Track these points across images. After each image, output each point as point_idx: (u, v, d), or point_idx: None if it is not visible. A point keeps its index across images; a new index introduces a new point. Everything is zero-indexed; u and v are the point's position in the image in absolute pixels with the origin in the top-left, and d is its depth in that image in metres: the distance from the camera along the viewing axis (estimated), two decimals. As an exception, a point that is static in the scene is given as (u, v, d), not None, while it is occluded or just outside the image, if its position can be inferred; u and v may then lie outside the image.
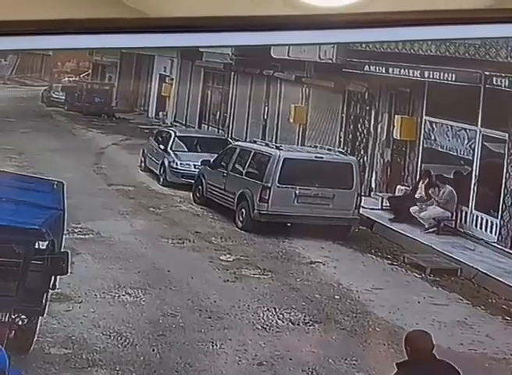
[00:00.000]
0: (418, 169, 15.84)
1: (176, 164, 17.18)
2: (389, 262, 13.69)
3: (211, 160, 16.17)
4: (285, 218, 14.56)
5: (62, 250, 10.36)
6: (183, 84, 21.23)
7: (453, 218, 14.73)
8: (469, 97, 14.31)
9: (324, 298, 11.97)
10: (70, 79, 22.86)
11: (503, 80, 13.48)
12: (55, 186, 11.05)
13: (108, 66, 22.96)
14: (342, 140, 17.23)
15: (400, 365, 7.07)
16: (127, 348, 10.21)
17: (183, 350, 10.11)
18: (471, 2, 2.09)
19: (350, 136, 17.16)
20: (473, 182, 14.57)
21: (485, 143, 14.47)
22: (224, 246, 13.86)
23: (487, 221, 14.33)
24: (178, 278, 12.17)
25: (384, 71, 15.54)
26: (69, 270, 10.19)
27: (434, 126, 15.56)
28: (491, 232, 14.21)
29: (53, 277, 9.81)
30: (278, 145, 15.83)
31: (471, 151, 14.73)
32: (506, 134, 13.88)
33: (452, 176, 15.32)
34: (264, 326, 10.99)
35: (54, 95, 22.12)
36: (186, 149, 17.60)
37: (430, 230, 14.72)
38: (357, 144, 17.10)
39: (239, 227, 14.80)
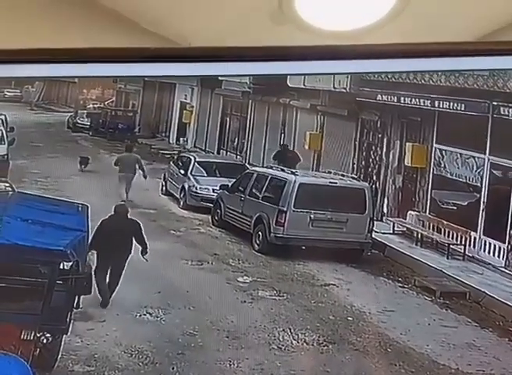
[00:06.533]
0: (429, 195, 15.89)
1: (196, 188, 17.26)
2: (401, 285, 13.80)
3: (230, 185, 16.34)
4: (300, 241, 14.74)
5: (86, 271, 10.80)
6: (202, 112, 21.47)
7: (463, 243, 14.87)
8: (477, 126, 14.43)
9: (337, 320, 12.16)
10: (95, 105, 23.00)
11: (511, 110, 13.67)
12: (79, 208, 11.35)
13: (131, 93, 23.20)
14: (355, 166, 17.27)
15: (109, 216, 11.98)
16: (148, 366, 10.46)
17: (201, 368, 10.36)
18: (478, 34, 2.16)
19: (363, 162, 17.21)
20: (481, 208, 14.65)
21: (493, 170, 14.57)
22: (241, 268, 14.00)
23: (495, 246, 14.40)
24: (197, 298, 12.31)
25: (396, 100, 15.65)
26: (92, 290, 10.66)
27: (444, 153, 15.63)
28: (498, 257, 14.28)
29: (77, 297, 10.24)
30: (293, 171, 15.92)
31: (480, 179, 14.81)
32: (514, 162, 14.04)
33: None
34: (280, 346, 11.21)
35: (79, 121, 22.24)
36: (205, 174, 17.67)
37: None
38: (370, 170, 17.15)
39: (255, 250, 14.97)
